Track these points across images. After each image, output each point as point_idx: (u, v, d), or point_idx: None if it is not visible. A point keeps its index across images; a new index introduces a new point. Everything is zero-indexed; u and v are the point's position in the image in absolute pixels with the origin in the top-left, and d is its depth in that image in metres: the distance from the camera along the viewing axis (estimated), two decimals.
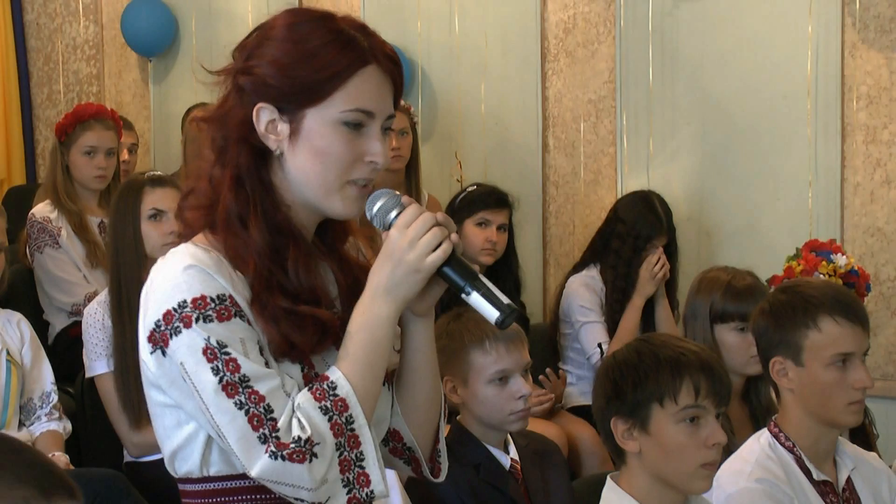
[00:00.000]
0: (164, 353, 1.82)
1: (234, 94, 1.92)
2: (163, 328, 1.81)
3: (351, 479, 1.80)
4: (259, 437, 1.76)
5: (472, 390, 3.07)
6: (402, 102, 5.20)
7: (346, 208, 1.91)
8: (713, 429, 2.31)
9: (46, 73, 6.92)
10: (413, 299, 1.88)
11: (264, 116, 1.88)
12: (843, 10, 4.83)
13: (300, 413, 1.79)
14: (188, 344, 1.79)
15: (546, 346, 4.82)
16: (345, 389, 1.81)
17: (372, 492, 1.82)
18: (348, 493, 1.80)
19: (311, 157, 1.87)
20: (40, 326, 4.54)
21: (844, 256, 4.25)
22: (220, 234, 1.88)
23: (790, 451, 2.66)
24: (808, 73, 4.88)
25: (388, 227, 1.87)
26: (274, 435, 1.76)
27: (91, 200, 4.88)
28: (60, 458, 3.66)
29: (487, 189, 4.75)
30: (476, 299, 1.85)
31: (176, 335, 1.80)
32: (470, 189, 4.77)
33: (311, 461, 1.76)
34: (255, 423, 1.77)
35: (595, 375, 2.50)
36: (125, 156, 5.68)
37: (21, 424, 3.83)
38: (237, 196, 1.89)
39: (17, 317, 4.00)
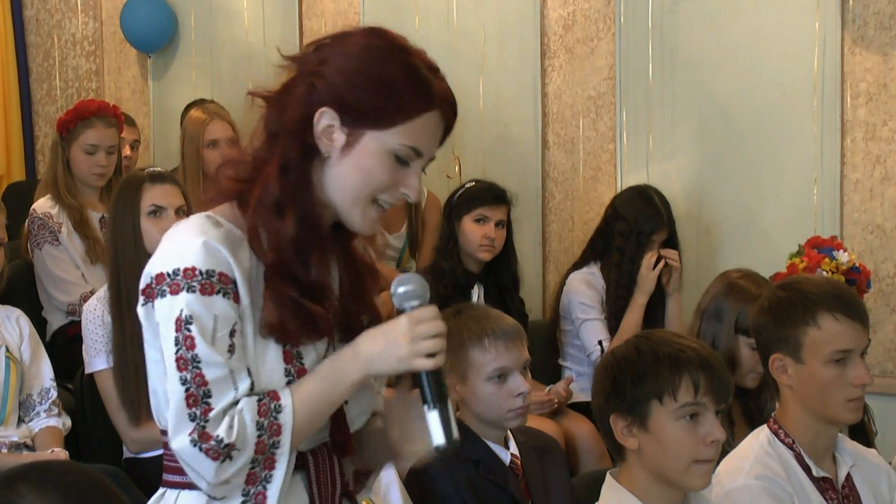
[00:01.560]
0: (152, 307, 1.95)
1: (304, 89, 1.99)
2: (153, 286, 1.95)
3: (251, 492, 1.94)
4: (189, 415, 1.89)
5: (471, 387, 3.07)
6: None
7: (363, 224, 2.02)
8: (712, 426, 2.31)
9: (46, 69, 6.92)
10: (382, 376, 2.05)
11: (325, 120, 1.97)
12: (843, 7, 4.82)
13: (237, 416, 1.90)
14: (168, 309, 1.93)
15: (545, 343, 4.83)
16: (286, 418, 1.92)
17: None
18: (243, 502, 1.93)
19: (354, 171, 1.98)
20: (39, 323, 4.54)
21: (846, 253, 4.25)
22: (249, 213, 1.99)
23: (790, 447, 2.66)
24: (809, 69, 4.88)
25: (402, 311, 1.96)
26: (202, 421, 1.88)
27: (92, 195, 4.87)
28: (60, 455, 3.66)
29: (486, 185, 4.75)
30: (433, 418, 1.93)
31: (161, 297, 1.94)
32: (468, 185, 4.77)
33: (223, 462, 1.89)
34: (190, 401, 1.89)
35: (594, 372, 2.50)
36: (127, 151, 5.68)
37: (20, 421, 3.83)
38: (282, 184, 1.98)
39: (16, 313, 4.00)
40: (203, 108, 5.30)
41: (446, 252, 4.64)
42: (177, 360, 1.90)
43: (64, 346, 4.51)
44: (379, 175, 1.97)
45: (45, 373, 3.93)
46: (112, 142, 4.86)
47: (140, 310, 1.98)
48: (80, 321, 4.02)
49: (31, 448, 3.76)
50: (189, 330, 1.90)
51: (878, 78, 4.79)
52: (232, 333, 1.92)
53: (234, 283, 1.93)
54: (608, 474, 2.45)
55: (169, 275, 1.92)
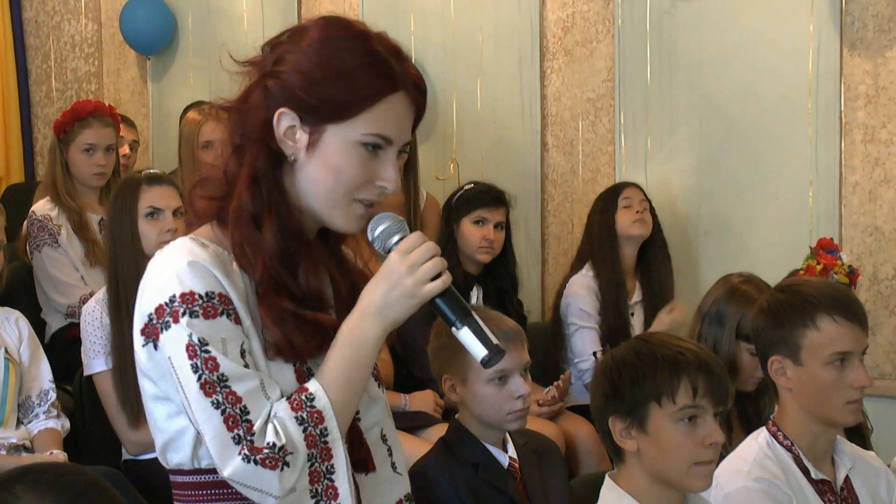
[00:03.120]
0: (155, 347, 1.84)
1: (260, 94, 1.92)
2: (154, 322, 1.83)
3: (319, 490, 1.83)
4: (233, 438, 1.78)
5: (471, 389, 3.06)
6: None
7: (347, 224, 1.93)
8: (711, 428, 2.31)
9: (45, 71, 6.92)
10: (401, 322, 1.90)
11: (285, 122, 1.89)
12: (842, 9, 4.83)
13: (275, 421, 1.80)
14: (175, 339, 1.81)
15: (544, 345, 4.83)
16: (322, 402, 1.83)
17: None
18: (315, 503, 1.83)
19: (323, 171, 1.89)
20: (38, 325, 4.54)
21: (844, 254, 4.26)
22: (229, 228, 1.90)
23: (788, 449, 2.66)
24: (808, 72, 4.88)
25: (389, 250, 1.89)
26: (248, 438, 1.78)
27: (91, 197, 4.87)
28: (59, 457, 3.66)
29: (484, 187, 4.75)
30: (465, 335, 1.87)
31: (166, 329, 1.82)
32: (467, 187, 4.77)
33: (282, 469, 1.78)
34: (230, 423, 1.78)
35: (593, 374, 2.50)
36: (126, 150, 5.68)
37: (19, 422, 3.83)
38: (253, 196, 1.90)
39: (15, 314, 3.99)
40: (199, 110, 5.30)
41: (445, 254, 4.60)
42: (202, 386, 1.79)
43: (63, 348, 4.51)
44: (350, 171, 1.88)
45: (44, 375, 3.92)
46: (110, 141, 4.86)
47: (140, 351, 1.86)
48: (79, 323, 4.02)
49: (29, 450, 3.76)
50: (207, 352, 1.80)
51: (877, 80, 4.80)
52: (242, 354, 1.83)
53: (233, 303, 1.84)
54: (607, 476, 2.44)
55: (167, 304, 1.82)
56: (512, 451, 3.10)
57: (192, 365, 1.80)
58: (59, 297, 4.65)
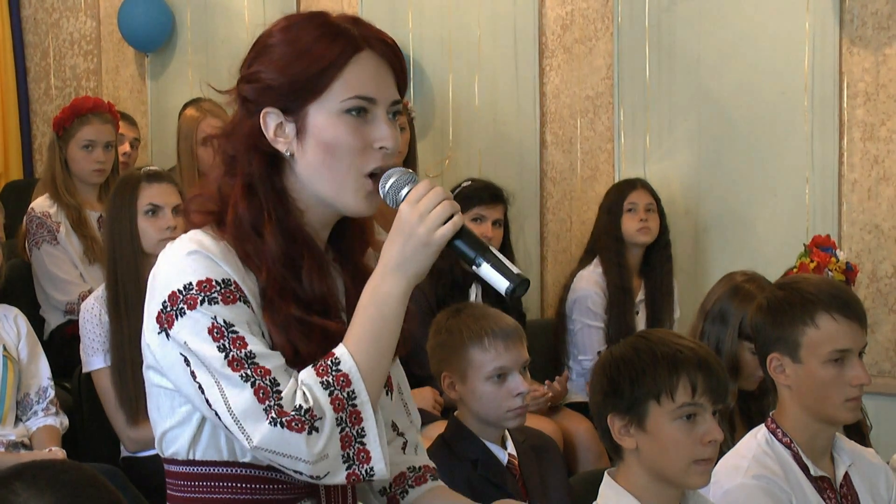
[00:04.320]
0: (167, 336, 1.83)
1: (241, 106, 1.93)
2: (168, 309, 1.82)
3: (351, 454, 1.80)
4: (265, 409, 1.76)
5: (471, 387, 3.07)
6: None
7: (358, 203, 1.91)
8: (710, 426, 2.31)
9: (44, 69, 6.91)
10: (423, 275, 1.88)
11: (271, 121, 1.90)
12: (841, 6, 4.83)
13: (304, 387, 1.79)
14: (193, 324, 1.80)
15: (543, 342, 4.83)
16: (347, 365, 1.81)
17: (371, 468, 1.81)
18: (348, 468, 1.80)
19: (320, 152, 1.88)
20: (37, 322, 4.53)
21: (841, 252, 4.26)
22: (230, 236, 1.88)
23: (787, 447, 2.66)
24: (806, 69, 4.88)
25: (400, 203, 1.87)
26: (277, 404, 1.76)
27: (90, 194, 4.87)
28: (57, 454, 3.66)
29: (482, 184, 4.74)
30: (487, 270, 1.85)
31: (180, 316, 1.81)
32: (465, 184, 4.76)
33: (310, 433, 1.76)
34: (261, 395, 1.77)
35: (592, 372, 2.50)
36: (126, 148, 5.67)
37: (18, 420, 3.83)
38: (250, 204, 1.89)
39: (13, 312, 3.99)
40: (197, 107, 5.29)
41: (444, 251, 4.64)
42: (230, 362, 1.77)
43: (62, 346, 4.50)
44: (344, 141, 1.87)
45: (42, 372, 3.92)
46: (109, 138, 4.86)
47: (154, 339, 1.84)
48: (77, 320, 4.01)
49: (28, 447, 3.76)
50: (235, 332, 1.79)
51: (876, 78, 4.80)
52: (263, 335, 1.83)
53: (246, 295, 1.84)
54: (606, 473, 2.44)
55: (181, 291, 1.81)
56: (511, 449, 3.10)
57: (218, 346, 1.78)
58: (57, 295, 4.65)
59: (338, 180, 1.89)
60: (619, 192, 4.87)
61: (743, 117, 5.04)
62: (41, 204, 4.77)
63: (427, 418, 4.11)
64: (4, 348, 3.85)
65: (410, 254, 1.84)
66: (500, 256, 1.87)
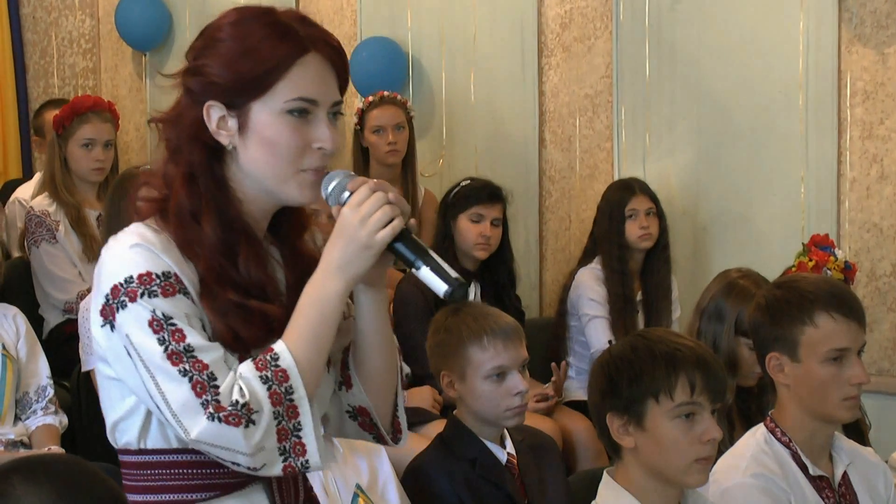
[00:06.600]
0: (112, 328, 1.87)
1: (185, 96, 1.98)
2: (111, 302, 1.86)
3: (287, 447, 1.85)
4: (202, 403, 1.81)
5: (470, 386, 3.07)
6: (399, 97, 5.20)
7: (301, 194, 1.96)
8: (708, 425, 2.32)
9: (42, 67, 6.91)
10: (365, 275, 1.92)
11: (214, 114, 1.94)
12: (840, 5, 4.83)
13: (240, 380, 1.83)
14: (134, 317, 1.84)
15: (542, 341, 4.83)
16: (287, 361, 1.86)
17: (307, 461, 1.86)
18: (284, 460, 1.85)
19: (260, 149, 1.93)
20: (36, 321, 4.53)
21: (840, 251, 4.26)
22: (171, 225, 1.93)
23: (786, 446, 2.66)
24: (805, 69, 4.88)
25: (342, 205, 1.91)
26: (214, 399, 1.80)
27: (89, 193, 4.87)
28: (56, 452, 3.66)
29: (481, 183, 4.74)
30: (426, 273, 1.89)
31: (122, 309, 1.85)
32: (463, 184, 4.76)
33: (247, 426, 1.80)
34: (198, 389, 1.81)
35: (590, 370, 2.50)
36: None
37: (17, 418, 3.83)
38: (190, 192, 1.94)
39: (12, 311, 4.00)
40: (160, 113, 5.28)
41: (442, 250, 4.64)
42: (168, 356, 1.82)
43: (60, 344, 4.50)
44: (285, 141, 1.92)
45: (41, 371, 3.93)
46: (108, 136, 4.86)
47: (100, 332, 1.89)
48: (76, 319, 4.02)
49: (27, 446, 3.76)
50: (173, 325, 1.83)
51: (875, 76, 4.80)
52: (203, 327, 1.88)
53: (186, 286, 1.88)
54: (605, 472, 2.45)
55: (122, 284, 1.85)
56: (510, 448, 3.10)
57: (158, 338, 1.82)
58: (56, 293, 4.65)
59: (279, 177, 1.94)
60: (619, 199, 4.83)
61: (742, 116, 5.04)
62: (40, 203, 4.77)
63: (426, 417, 4.11)
64: (3, 347, 3.85)
65: (351, 256, 1.89)
66: (440, 260, 1.91)
